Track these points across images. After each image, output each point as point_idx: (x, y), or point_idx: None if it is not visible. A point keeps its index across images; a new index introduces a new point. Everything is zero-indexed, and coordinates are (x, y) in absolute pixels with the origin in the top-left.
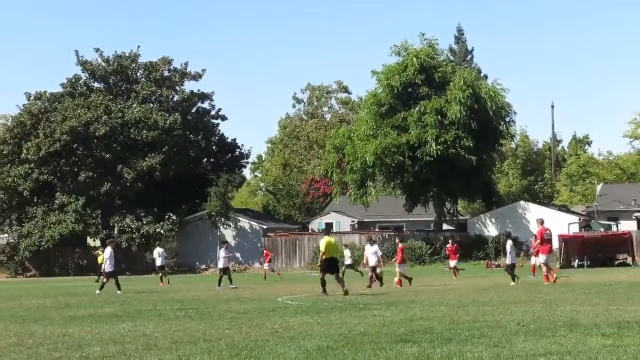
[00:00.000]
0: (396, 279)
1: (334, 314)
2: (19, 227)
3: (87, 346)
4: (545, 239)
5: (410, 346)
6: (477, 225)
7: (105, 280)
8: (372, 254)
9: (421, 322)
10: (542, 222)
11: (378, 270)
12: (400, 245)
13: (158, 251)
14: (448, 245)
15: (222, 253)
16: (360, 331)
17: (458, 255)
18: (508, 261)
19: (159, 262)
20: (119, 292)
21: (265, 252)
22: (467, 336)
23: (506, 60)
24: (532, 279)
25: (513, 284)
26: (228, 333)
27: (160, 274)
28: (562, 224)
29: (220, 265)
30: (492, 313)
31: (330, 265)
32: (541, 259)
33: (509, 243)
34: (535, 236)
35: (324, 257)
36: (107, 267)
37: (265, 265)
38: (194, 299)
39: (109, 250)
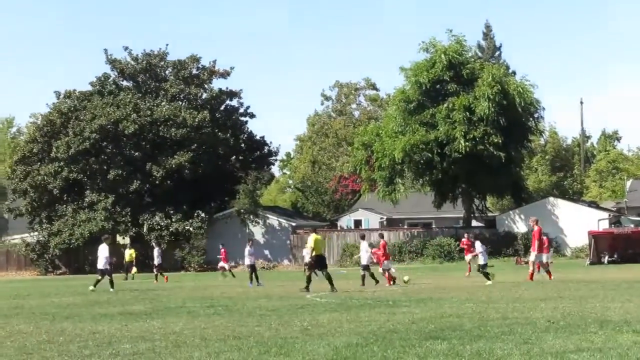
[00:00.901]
0: (386, 276)
1: (363, 311)
2: (49, 224)
3: (116, 343)
4: (541, 238)
5: (439, 343)
6: (506, 222)
7: (100, 277)
8: (363, 251)
9: (450, 318)
10: (536, 222)
11: (382, 269)
12: (382, 242)
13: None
14: (463, 239)
15: (247, 250)
16: (389, 328)
17: (473, 250)
18: (480, 261)
19: (157, 261)
20: (111, 289)
21: (222, 250)
22: (496, 333)
23: (534, 55)
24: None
25: (489, 282)
26: (257, 330)
27: (158, 272)
28: (591, 220)
29: (247, 262)
30: (521, 309)
31: (320, 261)
32: (532, 256)
33: (478, 243)
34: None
35: (314, 254)
36: (102, 264)
37: (223, 265)
38: (223, 296)
39: (105, 247)
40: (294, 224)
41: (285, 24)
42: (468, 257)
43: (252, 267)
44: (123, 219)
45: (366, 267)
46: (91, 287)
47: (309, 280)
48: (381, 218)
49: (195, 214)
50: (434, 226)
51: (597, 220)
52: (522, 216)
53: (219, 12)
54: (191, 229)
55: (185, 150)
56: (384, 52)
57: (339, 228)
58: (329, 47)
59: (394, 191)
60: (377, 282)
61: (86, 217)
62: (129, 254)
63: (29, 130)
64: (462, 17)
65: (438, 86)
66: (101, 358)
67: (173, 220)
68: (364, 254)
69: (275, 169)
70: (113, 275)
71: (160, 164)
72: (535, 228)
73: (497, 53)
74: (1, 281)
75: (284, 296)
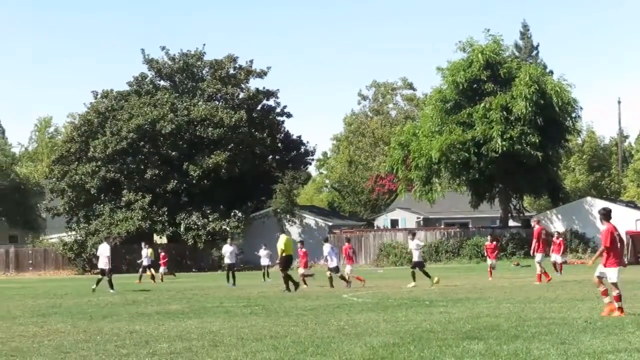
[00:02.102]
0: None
1: (400, 311)
2: (86, 224)
3: (154, 342)
4: (542, 238)
5: (476, 343)
6: (543, 222)
7: (102, 276)
8: (327, 254)
9: (487, 318)
10: (537, 222)
11: (348, 269)
12: (347, 244)
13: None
14: (487, 243)
15: (227, 248)
16: (426, 328)
17: (496, 254)
18: (415, 258)
19: (145, 262)
20: (111, 290)
21: (162, 254)
22: (533, 333)
23: (572, 55)
24: (558, 276)
25: (413, 283)
26: (294, 329)
27: (143, 273)
28: (629, 220)
29: (226, 261)
30: (558, 310)
31: (289, 261)
32: (538, 257)
33: (413, 243)
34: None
35: (284, 254)
36: (102, 264)
37: (161, 269)
38: (260, 296)
39: (106, 246)
40: (330, 224)
41: (322, 23)
42: (491, 261)
43: (230, 267)
44: (160, 218)
45: (335, 269)
46: (93, 286)
47: (287, 280)
48: (418, 218)
49: (232, 214)
50: (470, 226)
51: (634, 220)
52: (560, 216)
53: (255, 12)
54: (228, 228)
55: (222, 149)
56: (421, 52)
57: (375, 228)
58: (366, 46)
59: (431, 191)
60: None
61: (123, 216)
62: (149, 253)
63: (67, 130)
64: (500, 16)
65: (475, 86)
66: (138, 357)
67: (210, 219)
68: (328, 256)
69: (311, 169)
70: (142, 274)
71: (197, 163)
72: (536, 228)
73: (535, 52)
74: (39, 280)
75: (320, 296)
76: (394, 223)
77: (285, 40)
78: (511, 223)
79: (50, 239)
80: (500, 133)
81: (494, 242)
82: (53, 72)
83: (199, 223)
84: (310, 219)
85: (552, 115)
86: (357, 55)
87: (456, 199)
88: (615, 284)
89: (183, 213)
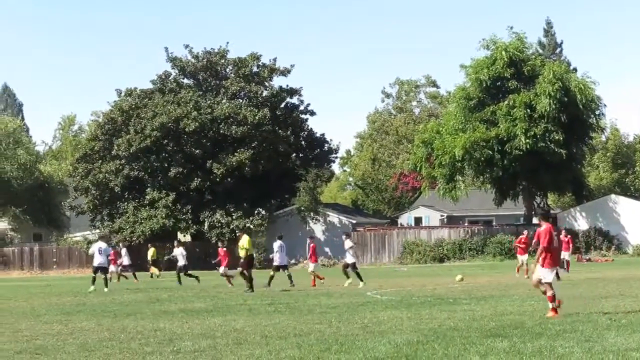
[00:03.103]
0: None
1: (424, 308)
2: (110, 222)
3: (178, 340)
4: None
5: (500, 340)
6: (567, 219)
7: (109, 276)
8: (275, 252)
9: (511, 316)
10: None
11: (312, 267)
12: (312, 244)
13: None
14: (521, 236)
15: (180, 250)
16: (450, 325)
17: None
18: (348, 260)
19: (125, 261)
20: (91, 287)
21: (112, 252)
22: (557, 330)
23: (596, 51)
24: (566, 274)
25: (349, 282)
26: (318, 327)
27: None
28: None
29: (181, 262)
30: (583, 307)
31: (252, 260)
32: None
33: (347, 242)
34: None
35: (248, 253)
36: (97, 262)
37: (112, 268)
38: (284, 294)
39: (100, 245)
40: (354, 222)
41: (345, 21)
42: (524, 257)
43: (181, 268)
44: (184, 216)
45: (278, 268)
46: (105, 289)
47: (250, 279)
48: (442, 215)
49: (256, 212)
50: (494, 223)
51: None
52: (584, 213)
53: (279, 10)
54: (252, 226)
55: (245, 147)
56: (445, 50)
57: (399, 225)
58: (390, 44)
59: (455, 188)
60: (360, 279)
61: (147, 214)
62: (152, 252)
63: (91, 128)
64: (523, 14)
65: (498, 83)
66: (162, 355)
67: (234, 217)
68: (276, 254)
69: (335, 167)
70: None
71: (220, 161)
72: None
73: (558, 50)
74: (63, 278)
75: (344, 293)
76: (418, 221)
77: (309, 38)
78: (535, 220)
79: (75, 237)
80: (524, 130)
81: (521, 237)
82: (77, 71)
83: (222, 221)
84: (333, 217)
85: (576, 113)
86: (381, 53)
87: (480, 196)
88: (550, 284)
89: (207, 211)
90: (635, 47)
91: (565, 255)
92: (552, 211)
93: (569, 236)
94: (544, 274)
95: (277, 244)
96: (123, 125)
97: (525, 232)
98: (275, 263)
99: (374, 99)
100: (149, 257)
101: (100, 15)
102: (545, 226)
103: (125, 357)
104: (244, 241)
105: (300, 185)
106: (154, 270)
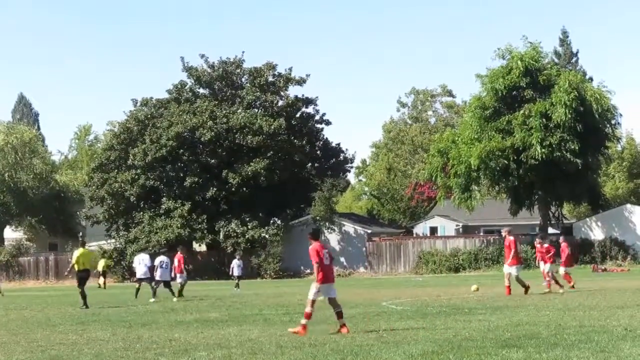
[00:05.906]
0: None
1: (439, 319)
2: (126, 232)
3: (193, 350)
4: (517, 250)
5: (515, 351)
6: (583, 229)
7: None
8: (236, 266)
9: (527, 326)
10: (508, 232)
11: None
12: (179, 254)
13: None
14: (537, 245)
15: (235, 262)
16: (465, 336)
17: (550, 257)
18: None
19: (236, 272)
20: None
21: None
22: (573, 341)
23: (611, 61)
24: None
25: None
26: (333, 337)
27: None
28: None
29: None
30: (598, 317)
31: (86, 276)
32: (513, 270)
33: (234, 261)
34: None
35: (79, 269)
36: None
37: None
38: (299, 304)
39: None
40: (369, 231)
41: (361, 31)
42: (547, 266)
43: (155, 281)
44: (199, 226)
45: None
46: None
47: (84, 296)
48: (457, 225)
49: (272, 221)
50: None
51: None
52: (599, 223)
53: (294, 20)
54: (267, 236)
55: (261, 157)
56: (460, 59)
57: (414, 235)
58: (405, 53)
59: (470, 198)
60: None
61: (163, 224)
62: (102, 263)
63: (106, 138)
64: (539, 23)
65: (514, 93)
66: None
67: (249, 227)
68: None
69: (350, 176)
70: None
71: (236, 171)
72: (511, 238)
73: (574, 59)
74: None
75: (360, 304)
76: (433, 230)
77: (325, 48)
78: (551, 230)
79: (90, 246)
80: (539, 140)
81: (546, 245)
82: (93, 80)
83: (238, 231)
84: (349, 227)
85: (592, 122)
86: (397, 63)
87: (495, 206)
88: (313, 301)
89: (222, 221)
90: None
91: (544, 267)
92: (567, 221)
93: (545, 246)
94: (313, 289)
95: (158, 260)
96: (139, 135)
97: (537, 239)
98: (158, 278)
99: (389, 109)
100: (99, 268)
101: (116, 26)
102: (313, 244)
103: None
104: (76, 255)
105: (315, 194)
106: (101, 281)
